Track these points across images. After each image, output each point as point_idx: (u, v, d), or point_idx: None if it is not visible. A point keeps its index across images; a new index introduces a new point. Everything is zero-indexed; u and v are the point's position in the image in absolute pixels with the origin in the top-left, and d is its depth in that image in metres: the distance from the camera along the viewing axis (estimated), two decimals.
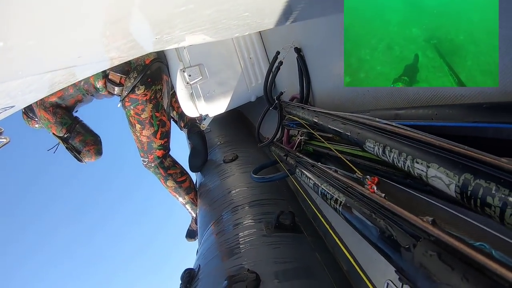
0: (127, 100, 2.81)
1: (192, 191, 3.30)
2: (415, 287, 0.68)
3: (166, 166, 3.18)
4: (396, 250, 0.75)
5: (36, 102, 2.75)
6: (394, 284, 0.77)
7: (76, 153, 3.03)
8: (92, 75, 2.75)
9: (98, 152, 3.18)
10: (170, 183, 3.22)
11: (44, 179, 19.79)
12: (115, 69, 2.74)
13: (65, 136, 2.96)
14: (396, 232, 0.77)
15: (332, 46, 1.87)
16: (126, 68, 2.75)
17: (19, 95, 1.00)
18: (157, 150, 3.05)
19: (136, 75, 2.73)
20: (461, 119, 0.91)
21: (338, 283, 1.40)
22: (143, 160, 3.14)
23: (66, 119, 2.94)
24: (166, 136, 3.06)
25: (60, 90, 2.70)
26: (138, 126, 2.92)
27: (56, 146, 3.11)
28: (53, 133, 2.97)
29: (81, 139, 3.02)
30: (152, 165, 3.14)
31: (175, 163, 3.27)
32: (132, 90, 2.76)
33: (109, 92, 2.89)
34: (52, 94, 2.72)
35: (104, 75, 2.79)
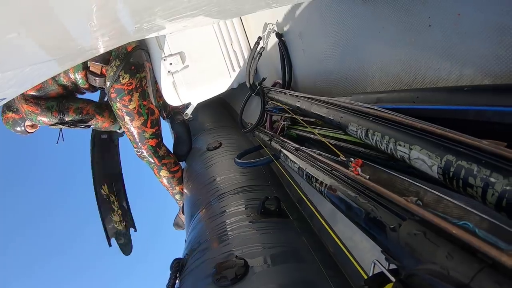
0: (112, 91, 2.71)
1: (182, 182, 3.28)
2: (401, 266, 0.70)
3: (161, 155, 3.12)
4: (381, 231, 0.76)
5: (17, 98, 2.63)
6: (380, 264, 0.79)
7: (80, 123, 2.90)
8: (72, 67, 2.65)
9: (97, 109, 2.99)
10: (163, 173, 3.18)
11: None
12: (95, 58, 2.62)
13: (59, 117, 2.80)
14: (381, 213, 0.78)
15: (313, 30, 1.87)
16: (107, 57, 2.65)
17: None
18: (150, 140, 2.99)
19: (118, 63, 2.63)
20: (443, 102, 0.92)
21: (326, 265, 1.43)
22: (136, 151, 3.08)
23: (51, 103, 2.76)
24: (156, 124, 3.00)
25: (39, 83, 2.60)
26: (126, 118, 2.84)
27: (60, 133, 2.98)
28: (46, 124, 2.82)
29: (74, 109, 2.85)
30: (146, 155, 3.07)
31: (169, 153, 3.22)
32: (117, 80, 2.66)
33: (90, 85, 2.79)
34: (31, 88, 2.61)
35: (85, 66, 2.67)
